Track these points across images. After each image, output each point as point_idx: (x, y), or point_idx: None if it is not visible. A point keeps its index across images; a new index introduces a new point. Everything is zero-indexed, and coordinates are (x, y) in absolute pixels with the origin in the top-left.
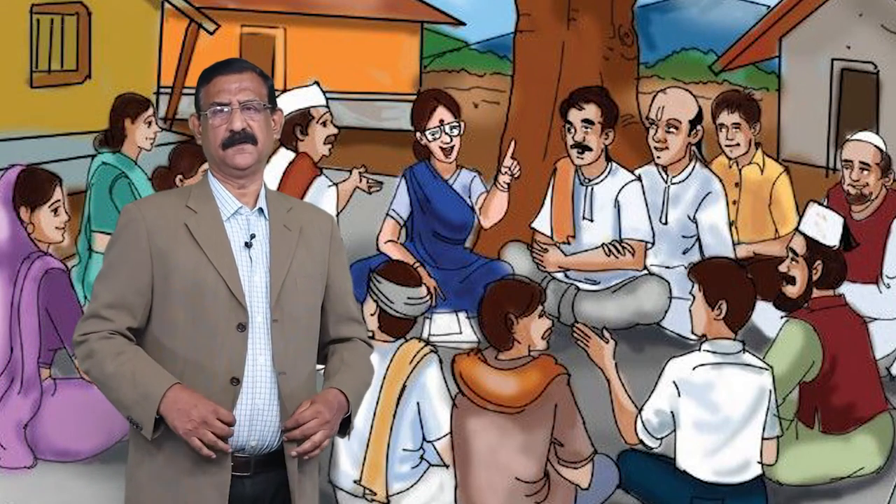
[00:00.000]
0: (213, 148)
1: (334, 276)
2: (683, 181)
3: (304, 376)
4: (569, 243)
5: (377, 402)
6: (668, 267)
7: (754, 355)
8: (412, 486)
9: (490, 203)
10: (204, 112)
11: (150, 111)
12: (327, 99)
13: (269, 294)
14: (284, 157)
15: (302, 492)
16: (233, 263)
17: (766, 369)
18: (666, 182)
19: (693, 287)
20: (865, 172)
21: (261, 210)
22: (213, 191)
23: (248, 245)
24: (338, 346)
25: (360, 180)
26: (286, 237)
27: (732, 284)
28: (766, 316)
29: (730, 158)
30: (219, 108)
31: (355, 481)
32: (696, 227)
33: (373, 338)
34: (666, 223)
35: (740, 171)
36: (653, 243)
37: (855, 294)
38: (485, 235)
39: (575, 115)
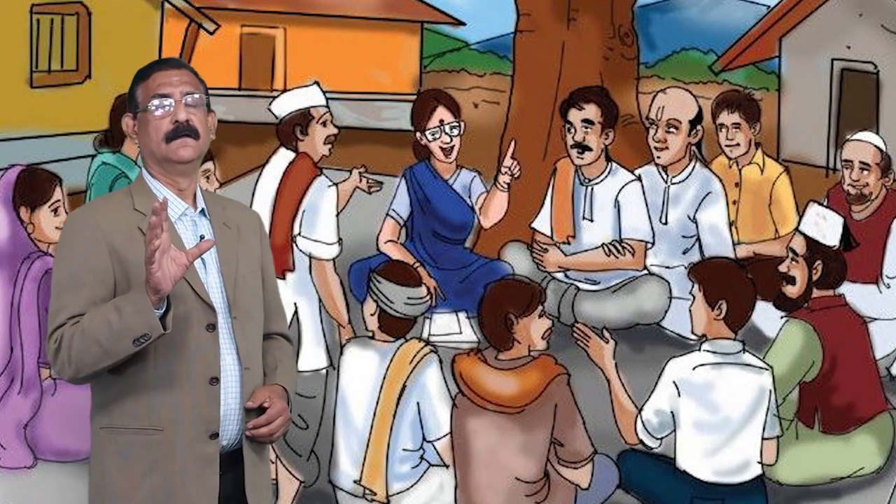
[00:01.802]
0: (156, 143)
1: (266, 272)
2: (683, 181)
3: (260, 371)
4: (569, 243)
5: (377, 402)
6: (668, 267)
7: (754, 355)
8: (412, 486)
9: (490, 203)
10: (144, 106)
11: None
12: (327, 99)
13: (224, 293)
14: (284, 157)
15: (260, 487)
16: (192, 265)
17: (766, 369)
18: (666, 182)
19: (693, 287)
20: (865, 172)
21: (203, 211)
22: (155, 193)
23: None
24: (269, 345)
25: (360, 180)
26: (228, 236)
27: (732, 284)
28: (766, 316)
29: (730, 158)
30: (161, 100)
31: (355, 481)
32: (696, 227)
33: (373, 338)
34: (666, 223)
35: (740, 171)
36: (653, 243)
37: (855, 294)
38: (485, 235)
39: (575, 115)
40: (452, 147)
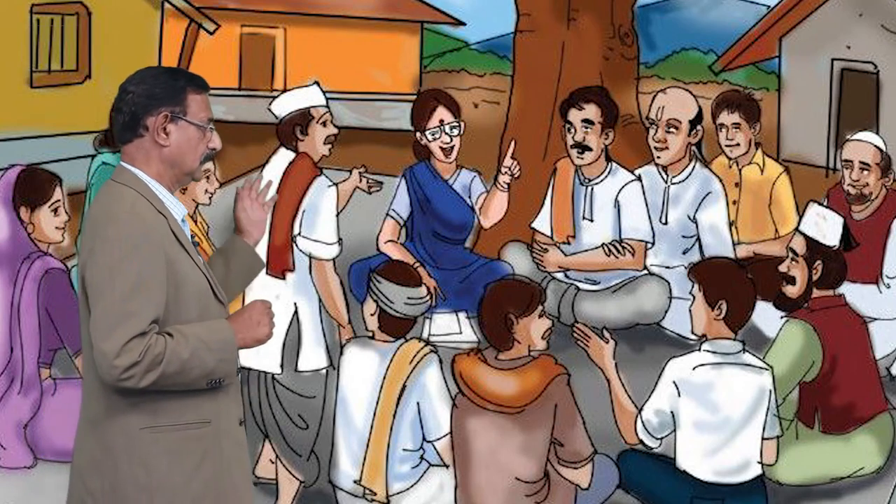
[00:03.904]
0: (193, 158)
1: None
2: (683, 181)
3: None
4: (569, 243)
5: (377, 402)
6: (668, 267)
7: (754, 355)
8: (412, 486)
9: (490, 203)
10: (199, 122)
11: None
12: (327, 99)
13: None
14: (284, 156)
15: None
16: (205, 264)
17: (766, 369)
18: (666, 182)
19: (693, 287)
20: (865, 172)
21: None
22: (159, 195)
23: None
24: None
25: (360, 180)
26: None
27: (732, 284)
28: (766, 316)
29: (730, 158)
30: (211, 124)
31: (355, 481)
32: (696, 227)
33: (373, 338)
34: (666, 223)
35: (740, 171)
36: (653, 243)
37: (855, 294)
38: (485, 235)
39: (575, 115)
40: (452, 147)
